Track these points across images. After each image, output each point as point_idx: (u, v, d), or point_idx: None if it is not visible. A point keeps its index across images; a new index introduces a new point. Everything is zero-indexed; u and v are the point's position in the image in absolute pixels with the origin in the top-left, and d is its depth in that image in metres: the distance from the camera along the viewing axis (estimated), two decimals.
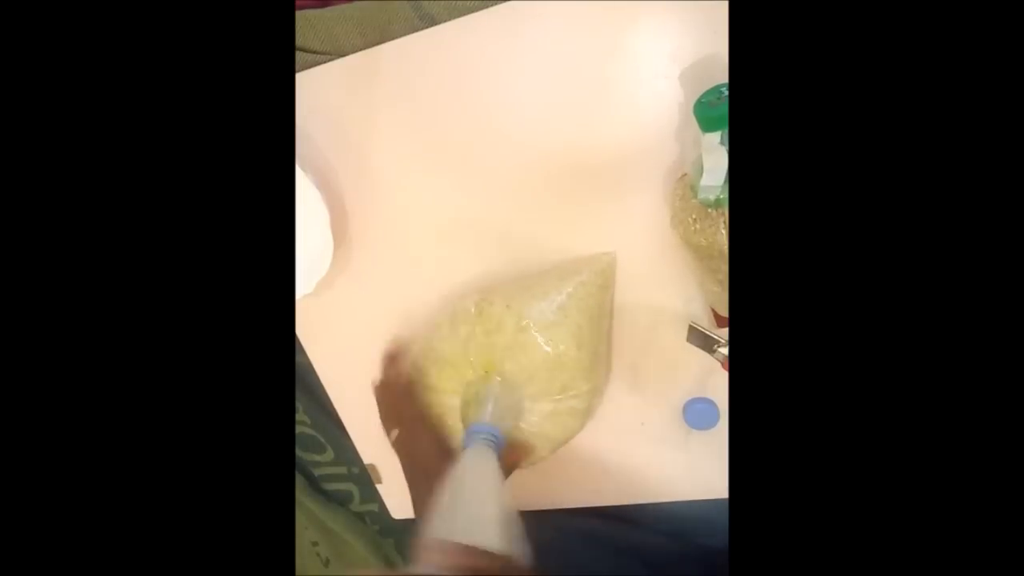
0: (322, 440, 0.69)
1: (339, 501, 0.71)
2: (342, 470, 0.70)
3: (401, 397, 0.54)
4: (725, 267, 0.41)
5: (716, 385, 0.52)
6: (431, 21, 0.48)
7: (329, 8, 0.50)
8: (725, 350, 0.47)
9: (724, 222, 0.39)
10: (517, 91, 0.48)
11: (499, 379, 0.48)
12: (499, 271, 0.53)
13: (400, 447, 0.53)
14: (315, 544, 0.72)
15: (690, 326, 0.49)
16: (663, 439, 0.54)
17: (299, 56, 0.51)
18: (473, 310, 0.49)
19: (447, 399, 0.51)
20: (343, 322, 0.60)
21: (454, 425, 0.52)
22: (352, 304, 0.59)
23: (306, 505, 0.70)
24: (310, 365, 0.64)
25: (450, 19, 0.47)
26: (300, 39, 0.50)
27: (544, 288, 0.49)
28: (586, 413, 0.50)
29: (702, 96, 0.39)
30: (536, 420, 0.50)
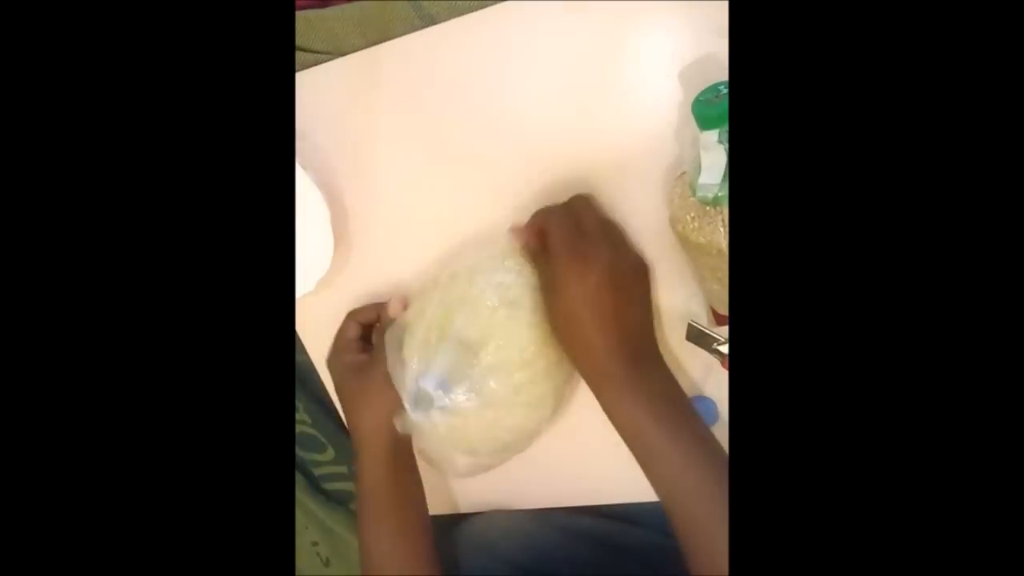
0: (322, 440, 0.69)
1: (339, 501, 0.71)
2: (342, 469, 0.70)
3: None
4: (724, 265, 0.41)
5: (716, 384, 0.52)
6: (431, 21, 0.48)
7: (329, 8, 0.50)
8: (725, 348, 0.47)
9: (723, 220, 0.39)
10: (517, 91, 0.48)
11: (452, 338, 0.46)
12: None
13: None
14: (315, 544, 0.72)
15: (689, 324, 0.49)
16: None
17: (299, 56, 0.51)
18: (433, 282, 0.49)
19: None
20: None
21: None
22: (352, 303, 0.59)
23: (306, 505, 0.70)
24: (310, 364, 0.63)
25: (450, 19, 0.47)
26: (300, 39, 0.50)
27: (502, 249, 0.49)
28: (551, 395, 0.49)
29: (700, 94, 0.39)
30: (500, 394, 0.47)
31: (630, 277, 0.44)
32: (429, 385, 0.45)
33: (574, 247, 0.42)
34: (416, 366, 0.46)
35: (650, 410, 0.41)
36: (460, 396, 0.45)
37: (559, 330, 0.44)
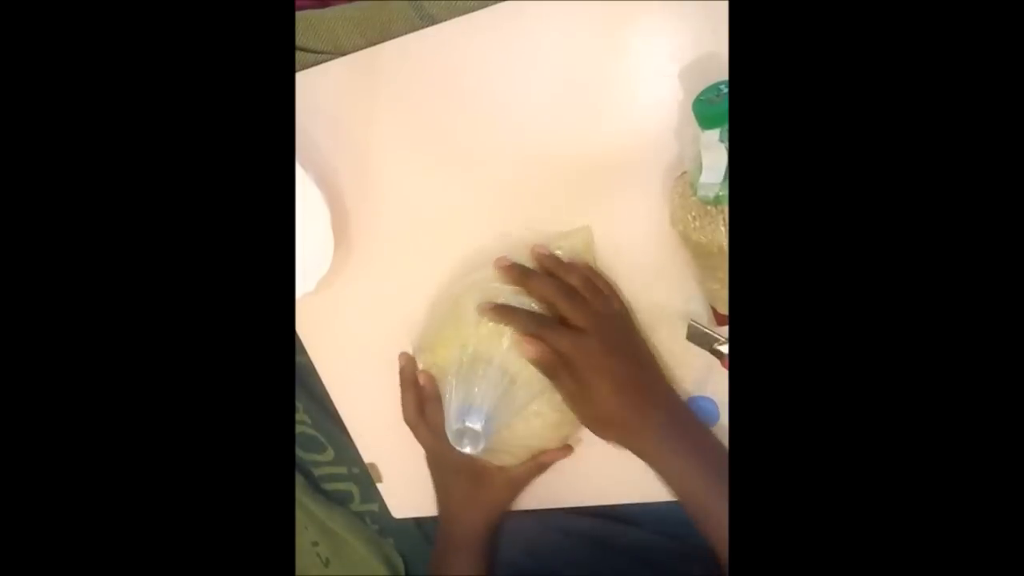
0: (322, 440, 0.69)
1: (339, 501, 0.71)
2: (342, 470, 0.70)
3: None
4: (725, 265, 0.41)
5: (716, 383, 0.52)
6: (431, 21, 0.48)
7: (329, 8, 0.50)
8: (725, 348, 0.47)
9: (723, 219, 0.39)
10: (517, 91, 0.48)
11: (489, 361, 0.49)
12: None
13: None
14: (315, 544, 0.71)
15: (690, 324, 0.49)
16: None
17: (299, 56, 0.51)
18: (454, 309, 0.51)
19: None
20: (344, 321, 0.60)
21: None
22: (353, 303, 0.59)
23: (306, 505, 0.70)
24: (310, 365, 0.63)
25: (450, 19, 0.47)
26: (300, 39, 0.50)
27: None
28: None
29: (701, 93, 0.39)
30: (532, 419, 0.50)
31: (617, 343, 0.47)
32: (474, 423, 0.47)
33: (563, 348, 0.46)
34: (455, 404, 0.48)
35: (677, 447, 0.46)
36: (502, 422, 0.48)
37: (597, 424, 0.48)
